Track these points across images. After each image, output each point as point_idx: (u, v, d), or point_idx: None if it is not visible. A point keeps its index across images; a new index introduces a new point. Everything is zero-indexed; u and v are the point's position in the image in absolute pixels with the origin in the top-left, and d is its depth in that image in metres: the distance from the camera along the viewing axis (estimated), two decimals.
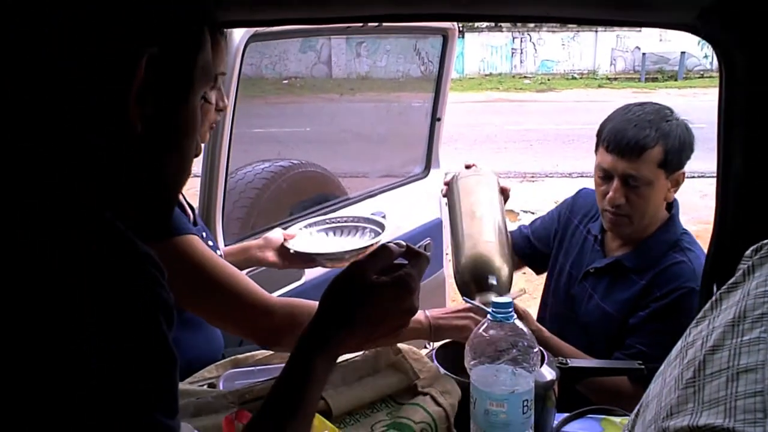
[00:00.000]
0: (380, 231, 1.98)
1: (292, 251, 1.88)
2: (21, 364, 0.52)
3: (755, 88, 1.21)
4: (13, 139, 0.61)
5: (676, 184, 1.78)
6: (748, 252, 1.12)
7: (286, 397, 0.84)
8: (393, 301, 0.89)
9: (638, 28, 21.60)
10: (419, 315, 1.37)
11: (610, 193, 1.75)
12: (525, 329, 1.23)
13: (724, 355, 1.01)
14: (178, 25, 0.68)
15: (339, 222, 2.07)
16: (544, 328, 1.77)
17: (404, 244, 0.96)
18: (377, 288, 0.89)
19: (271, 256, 1.90)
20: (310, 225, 2.06)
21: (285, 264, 1.92)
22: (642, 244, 1.82)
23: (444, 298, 3.17)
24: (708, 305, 1.13)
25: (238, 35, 1.99)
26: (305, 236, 2.03)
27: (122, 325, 0.55)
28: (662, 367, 1.18)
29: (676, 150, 1.72)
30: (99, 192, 0.64)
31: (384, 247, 0.93)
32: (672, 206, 1.84)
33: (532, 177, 9.01)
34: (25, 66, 0.60)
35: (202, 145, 2.03)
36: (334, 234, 2.05)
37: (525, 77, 22.43)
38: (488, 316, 1.23)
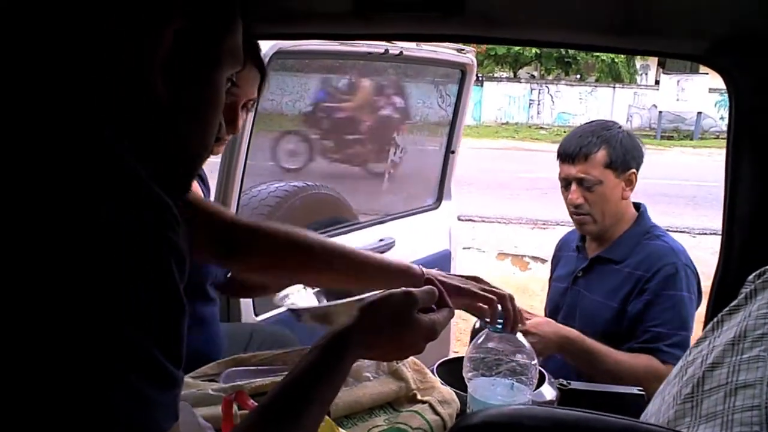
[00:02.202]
0: None
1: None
2: (25, 297, 0.53)
3: (764, 118, 1.24)
4: (44, 92, 0.64)
5: (630, 183, 2.00)
6: (750, 277, 1.13)
7: (312, 385, 0.86)
8: (418, 339, 0.97)
9: (656, 86, 21.81)
10: (413, 270, 1.29)
11: (571, 195, 1.99)
12: (525, 343, 1.24)
13: (723, 372, 1.02)
14: (209, 3, 0.71)
15: None
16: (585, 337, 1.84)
17: (440, 291, 1.02)
18: (416, 323, 0.96)
19: None
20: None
21: None
22: (617, 240, 2.03)
23: (449, 331, 3.17)
24: (709, 326, 1.14)
25: (263, 50, 2.04)
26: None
27: (131, 260, 0.56)
28: (661, 387, 1.18)
29: (620, 153, 1.96)
30: (120, 140, 0.66)
31: (432, 292, 1.00)
32: (640, 206, 2.08)
33: (544, 224, 9.01)
34: (53, 26, 0.63)
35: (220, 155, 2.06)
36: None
37: (541, 128, 22.58)
38: (487, 327, 1.24)
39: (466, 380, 1.25)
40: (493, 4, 1.30)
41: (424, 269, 1.27)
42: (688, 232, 8.09)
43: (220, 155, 2.11)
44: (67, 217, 0.55)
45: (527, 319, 1.76)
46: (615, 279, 1.97)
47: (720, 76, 1.34)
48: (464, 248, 7.49)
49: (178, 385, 0.61)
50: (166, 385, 0.59)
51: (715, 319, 1.12)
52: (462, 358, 1.31)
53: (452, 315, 1.03)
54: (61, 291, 0.53)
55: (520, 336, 1.24)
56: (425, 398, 1.31)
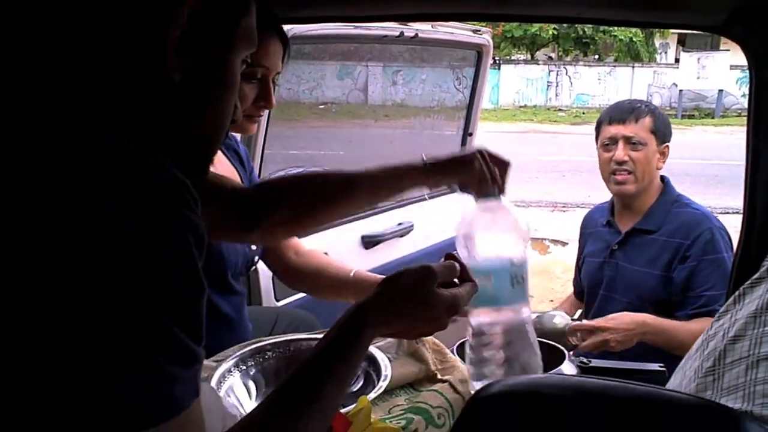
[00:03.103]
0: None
1: None
2: (46, 279, 0.54)
3: None
4: (57, 70, 0.64)
5: (663, 155, 2.18)
6: None
7: (329, 363, 0.86)
8: (440, 313, 0.96)
9: (676, 64, 21.53)
10: (416, 167, 1.25)
11: (618, 152, 2.13)
12: (511, 209, 1.21)
13: (745, 345, 1.01)
14: None
15: None
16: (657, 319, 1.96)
17: (461, 266, 1.01)
18: (436, 297, 0.95)
19: None
20: None
21: None
22: (648, 211, 2.17)
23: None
24: (731, 300, 1.14)
25: None
26: None
27: (149, 238, 0.57)
28: (682, 362, 1.18)
29: (662, 123, 2.17)
30: (132, 122, 0.67)
31: (452, 266, 0.99)
32: (664, 178, 2.24)
33: (564, 207, 8.96)
34: (60, 11, 0.63)
35: None
36: None
37: (560, 110, 22.41)
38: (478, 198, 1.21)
39: (457, 244, 1.20)
40: None
41: (426, 160, 1.24)
42: (711, 211, 7.99)
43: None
44: (84, 204, 0.56)
45: (599, 326, 1.92)
46: (653, 248, 2.11)
47: (740, 49, 1.32)
48: None
49: (198, 361, 0.62)
50: (187, 361, 0.60)
51: (737, 293, 1.11)
52: None
53: (475, 289, 1.01)
54: (78, 276, 0.54)
55: (505, 200, 1.21)
56: (445, 377, 1.31)
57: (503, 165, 1.24)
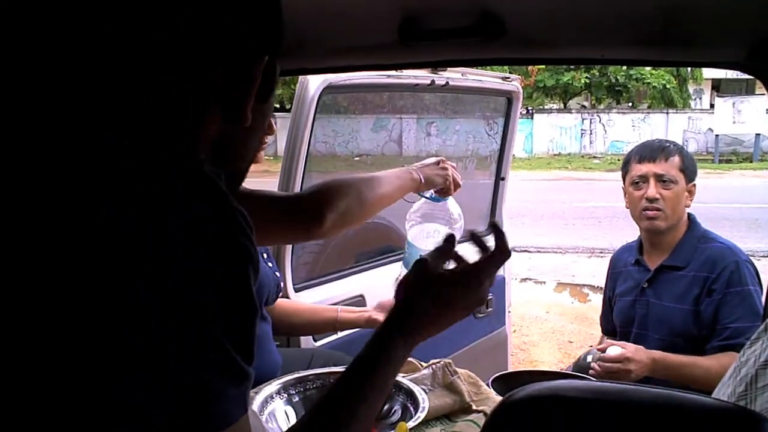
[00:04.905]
0: None
1: None
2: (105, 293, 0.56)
3: None
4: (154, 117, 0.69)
5: (691, 194, 2.22)
6: None
7: (362, 375, 0.89)
8: (463, 291, 0.99)
9: (711, 110, 21.39)
10: (412, 173, 1.55)
11: (650, 190, 2.17)
12: (453, 209, 1.55)
13: None
14: (278, 37, 0.80)
15: None
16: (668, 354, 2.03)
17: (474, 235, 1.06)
18: (446, 280, 0.99)
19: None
20: None
21: None
22: (676, 247, 2.20)
23: (506, 356, 3.16)
24: (762, 326, 1.15)
25: (314, 86, 2.14)
26: None
27: (208, 260, 0.60)
28: (716, 390, 1.19)
29: (690, 162, 2.22)
30: (200, 150, 0.73)
31: (447, 240, 1.03)
32: (690, 215, 2.26)
33: (600, 252, 8.87)
34: (188, 72, 0.69)
35: None
36: None
37: (594, 157, 22.34)
38: (429, 198, 1.56)
39: (407, 231, 1.54)
40: (531, 25, 1.34)
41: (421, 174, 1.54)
42: (752, 255, 7.84)
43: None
44: (84, 204, 0.59)
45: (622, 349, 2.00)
46: (682, 284, 2.14)
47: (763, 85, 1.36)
48: (522, 279, 7.44)
49: (248, 379, 0.64)
50: (236, 377, 0.62)
51: None
52: (519, 372, 1.33)
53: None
54: (78, 276, 0.56)
55: (451, 201, 1.54)
56: (480, 408, 1.33)
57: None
